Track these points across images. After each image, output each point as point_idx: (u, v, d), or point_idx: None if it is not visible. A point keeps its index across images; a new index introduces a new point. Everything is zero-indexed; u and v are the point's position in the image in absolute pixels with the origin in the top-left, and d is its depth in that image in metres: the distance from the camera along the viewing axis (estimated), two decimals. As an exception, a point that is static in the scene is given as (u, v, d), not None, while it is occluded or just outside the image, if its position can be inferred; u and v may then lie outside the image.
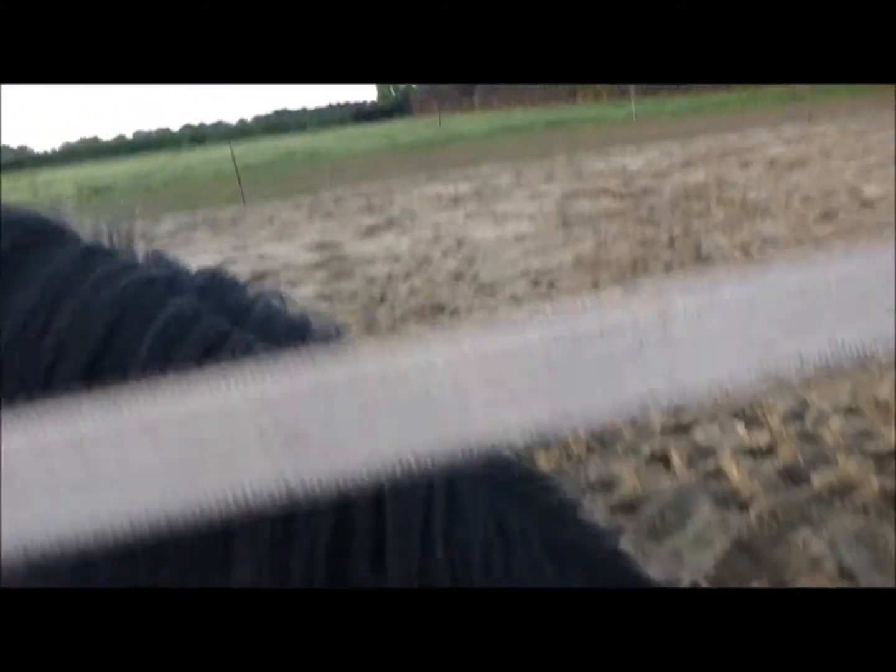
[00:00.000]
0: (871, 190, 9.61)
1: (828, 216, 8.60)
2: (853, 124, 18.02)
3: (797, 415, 4.11)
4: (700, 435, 4.00)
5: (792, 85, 35.02)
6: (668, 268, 7.24)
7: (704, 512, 3.31)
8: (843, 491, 3.37)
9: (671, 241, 8.27)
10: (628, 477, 3.63)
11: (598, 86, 54.40)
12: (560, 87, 55.96)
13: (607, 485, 3.61)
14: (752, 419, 4.12)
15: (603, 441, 4.00)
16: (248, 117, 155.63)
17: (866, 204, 8.92)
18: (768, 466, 3.63)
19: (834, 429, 3.90)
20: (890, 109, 20.01)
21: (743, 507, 3.34)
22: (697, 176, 12.81)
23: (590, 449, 3.94)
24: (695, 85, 47.11)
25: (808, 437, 3.88)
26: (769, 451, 3.79)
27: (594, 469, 3.76)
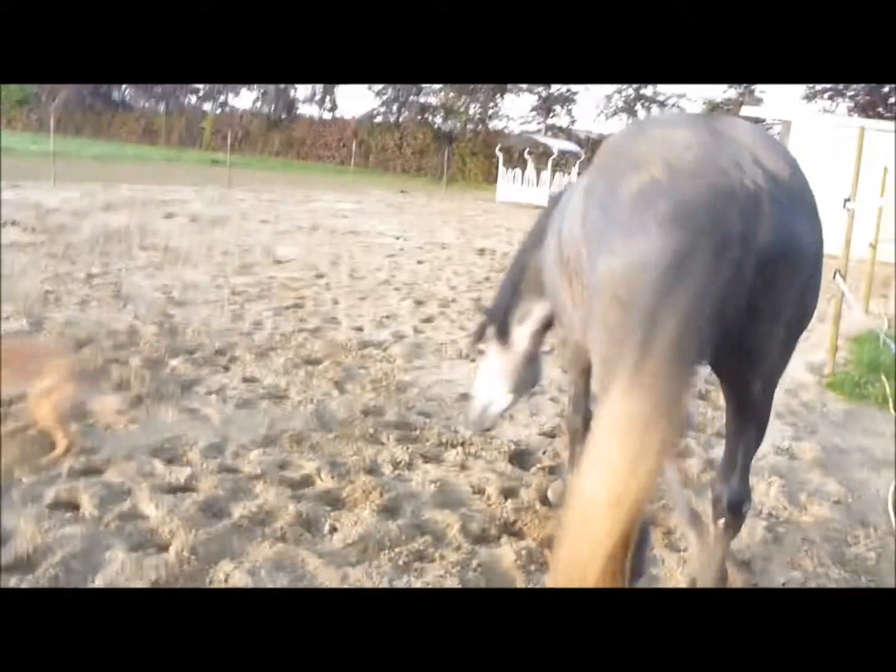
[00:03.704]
0: (282, 251, 11.78)
1: (244, 268, 10.03)
2: (266, 194, 21.41)
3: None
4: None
5: (217, 152, 36.26)
6: (84, 303, 7.44)
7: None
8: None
9: (88, 279, 8.54)
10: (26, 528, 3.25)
11: (13, 114, 47.39)
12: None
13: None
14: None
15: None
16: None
17: (278, 261, 10.88)
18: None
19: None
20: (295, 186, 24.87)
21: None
22: (119, 220, 13.40)
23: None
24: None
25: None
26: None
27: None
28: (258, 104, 44.54)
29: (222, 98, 47.01)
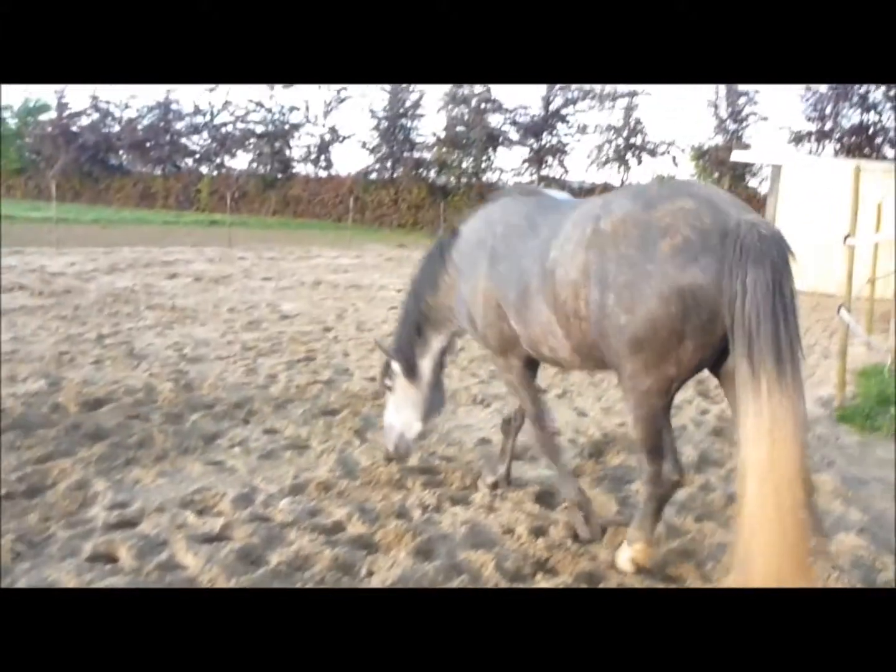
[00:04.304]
0: (287, 306, 11.95)
1: (252, 324, 10.20)
2: (267, 252, 21.57)
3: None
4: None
5: (214, 213, 37.10)
6: (99, 363, 7.53)
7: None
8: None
9: (100, 339, 8.66)
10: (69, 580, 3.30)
11: (12, 182, 49.23)
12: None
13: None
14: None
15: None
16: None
17: (285, 316, 10.98)
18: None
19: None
20: (295, 243, 24.73)
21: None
22: (124, 282, 13.67)
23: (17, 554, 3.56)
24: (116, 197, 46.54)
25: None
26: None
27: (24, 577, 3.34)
28: (254, 164, 45.17)
29: (218, 160, 47.73)
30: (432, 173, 41.95)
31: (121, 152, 50.18)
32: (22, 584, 3.24)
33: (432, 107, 53.89)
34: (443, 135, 41.13)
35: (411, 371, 4.70)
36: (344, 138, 44.57)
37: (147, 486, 4.39)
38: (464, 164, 40.98)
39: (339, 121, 51.54)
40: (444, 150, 40.87)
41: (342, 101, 43.76)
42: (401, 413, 4.77)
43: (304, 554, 3.61)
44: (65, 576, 3.30)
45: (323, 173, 44.76)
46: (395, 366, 4.74)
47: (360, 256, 22.33)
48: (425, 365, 4.72)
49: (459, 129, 40.43)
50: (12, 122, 53.83)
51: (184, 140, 48.54)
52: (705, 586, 3.46)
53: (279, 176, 44.39)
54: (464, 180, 40.27)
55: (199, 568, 3.43)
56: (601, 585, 3.47)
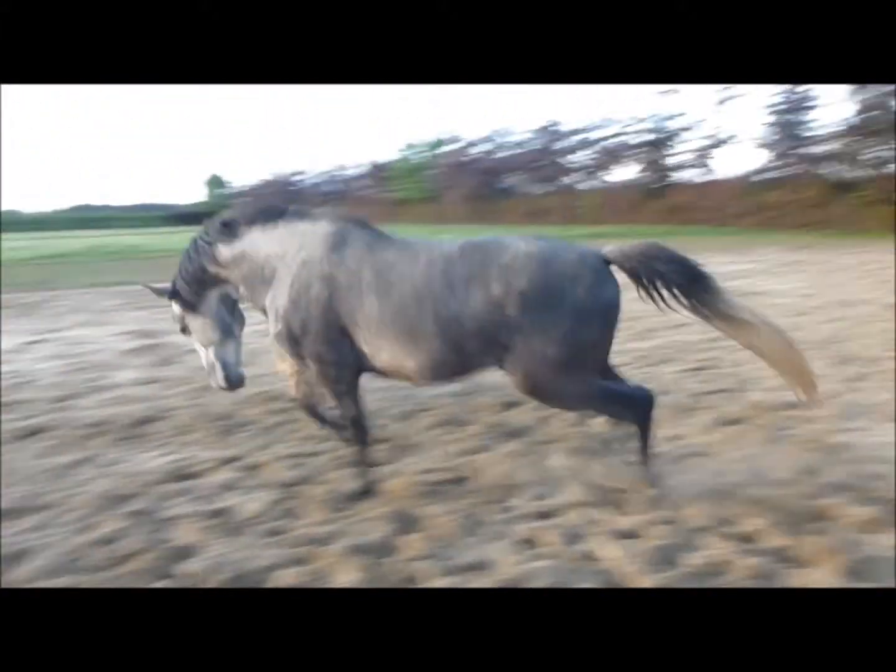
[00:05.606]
0: (677, 315, 9.42)
1: (646, 333, 8.50)
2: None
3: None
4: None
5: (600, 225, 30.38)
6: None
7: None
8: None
9: None
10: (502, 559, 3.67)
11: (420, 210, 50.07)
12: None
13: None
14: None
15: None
16: (47, 209, 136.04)
17: (680, 324, 9.69)
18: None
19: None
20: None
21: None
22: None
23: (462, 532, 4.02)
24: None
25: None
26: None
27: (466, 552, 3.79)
28: (636, 174, 45.52)
29: (599, 174, 49.00)
30: (828, 169, 38.37)
31: (508, 175, 54.10)
32: (466, 558, 3.70)
33: (823, 98, 49.34)
34: (842, 127, 37.43)
35: (192, 305, 5.01)
36: (727, 140, 42.85)
37: (562, 481, 4.69)
38: (866, 156, 36.84)
39: (721, 123, 49.64)
40: (844, 142, 37.16)
41: (722, 102, 42.10)
42: (205, 346, 5.14)
43: (718, 560, 3.58)
44: (498, 556, 3.68)
45: (707, 177, 43.47)
46: (175, 308, 5.06)
47: (755, 261, 21.16)
48: (213, 295, 5.01)
49: (862, 117, 36.44)
50: (419, 157, 61.23)
51: (565, 158, 50.73)
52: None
53: (661, 184, 44.13)
54: (870, 173, 36.13)
55: (616, 561, 3.58)
56: None
